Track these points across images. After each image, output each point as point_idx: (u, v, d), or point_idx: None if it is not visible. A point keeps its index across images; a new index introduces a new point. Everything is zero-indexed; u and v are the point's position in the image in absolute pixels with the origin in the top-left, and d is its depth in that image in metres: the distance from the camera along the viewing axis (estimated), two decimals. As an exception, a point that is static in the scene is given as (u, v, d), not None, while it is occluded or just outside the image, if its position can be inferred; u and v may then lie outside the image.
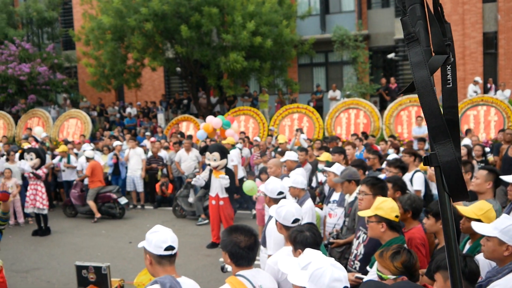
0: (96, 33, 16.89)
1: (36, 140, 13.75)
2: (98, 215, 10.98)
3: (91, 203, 10.99)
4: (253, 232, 3.15)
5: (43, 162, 10.31)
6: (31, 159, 10.04)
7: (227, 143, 11.83)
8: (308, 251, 2.49)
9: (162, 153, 12.83)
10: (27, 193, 10.07)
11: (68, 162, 11.93)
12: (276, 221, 3.85)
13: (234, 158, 10.81)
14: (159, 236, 2.90)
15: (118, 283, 6.81)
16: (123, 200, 11.25)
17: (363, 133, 12.46)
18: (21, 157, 10.22)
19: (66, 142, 13.40)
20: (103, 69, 17.49)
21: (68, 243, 9.38)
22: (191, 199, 10.99)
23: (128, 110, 19.94)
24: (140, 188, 12.10)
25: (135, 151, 12.00)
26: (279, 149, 11.03)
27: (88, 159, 11.36)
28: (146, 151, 12.72)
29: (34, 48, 20.19)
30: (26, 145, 11.97)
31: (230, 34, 14.87)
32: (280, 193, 4.77)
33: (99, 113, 20.53)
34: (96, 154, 12.22)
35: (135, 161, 11.96)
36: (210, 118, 13.71)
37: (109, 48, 16.73)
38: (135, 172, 11.98)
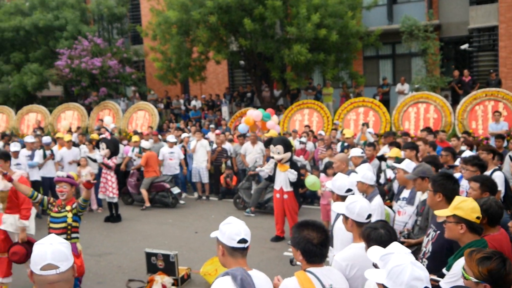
0: (162, 28, 17.31)
1: (109, 131, 14.33)
2: (147, 204, 11.48)
3: (144, 192, 11.50)
4: (324, 228, 3.09)
5: (114, 152, 10.69)
6: (103, 149, 10.47)
7: (270, 135, 11.90)
8: (391, 246, 2.41)
9: (226, 146, 12.98)
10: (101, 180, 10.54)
11: (140, 152, 12.34)
12: (347, 218, 3.74)
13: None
14: (233, 228, 2.90)
15: (185, 271, 7.00)
16: (175, 190, 11.70)
17: (427, 128, 11.65)
18: (97, 147, 10.69)
19: (136, 133, 13.87)
20: (169, 63, 17.92)
21: (137, 230, 9.71)
22: (253, 191, 11.08)
23: (193, 102, 20.32)
24: (206, 179, 12.30)
25: (201, 143, 12.22)
26: (346, 144, 10.85)
27: (144, 149, 11.74)
28: (210, 143, 12.89)
29: (105, 43, 21.04)
30: (95, 136, 12.46)
31: (294, 26, 14.73)
32: (349, 190, 4.64)
33: (165, 106, 21.08)
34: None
35: (201, 153, 12.17)
36: (250, 111, 13.82)
37: (175, 42, 17.10)
38: (201, 163, 12.19)
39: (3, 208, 6.40)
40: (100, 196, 10.77)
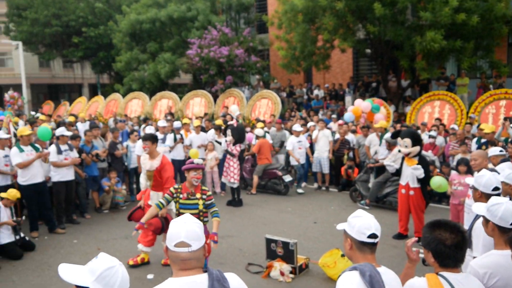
0: (288, 16, 17.30)
1: (235, 119, 14.73)
2: (254, 191, 11.81)
3: (255, 179, 11.78)
4: (460, 229, 2.72)
5: (239, 140, 10.90)
6: (229, 135, 10.73)
7: (380, 126, 11.70)
8: None
9: (349, 136, 12.60)
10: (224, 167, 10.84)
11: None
12: (487, 221, 3.30)
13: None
14: (363, 221, 2.70)
15: (303, 260, 6.90)
16: (287, 178, 11.72)
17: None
18: (224, 133, 10.99)
19: (258, 121, 14.07)
20: (294, 51, 17.91)
21: (258, 216, 9.83)
22: (370, 184, 10.66)
23: (316, 92, 20.15)
24: (326, 169, 12.07)
25: (324, 133, 11.99)
26: (483, 140, 9.92)
27: (257, 137, 11.78)
28: (333, 134, 12.62)
29: (232, 33, 21.66)
30: (219, 122, 12.83)
31: (428, 11, 13.73)
32: (496, 188, 4.13)
33: (288, 94, 21.17)
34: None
35: (323, 143, 11.96)
36: (359, 101, 13.61)
37: (300, 30, 17.02)
38: (322, 153, 11.99)
39: (150, 185, 6.94)
40: (223, 180, 11.09)
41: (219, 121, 13.10)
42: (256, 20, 24.54)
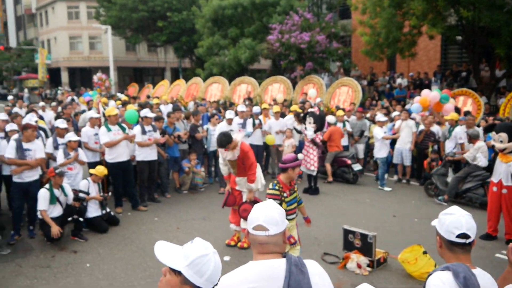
0: (373, 0, 16.70)
1: (317, 106, 14.53)
2: (330, 178, 11.64)
3: (328, 166, 11.63)
4: None
5: (320, 128, 10.70)
6: (310, 123, 10.55)
7: (450, 118, 11.19)
8: None
9: (435, 128, 11.98)
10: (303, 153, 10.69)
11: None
12: None
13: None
14: (453, 219, 2.49)
15: (382, 254, 6.67)
16: (357, 167, 11.54)
17: None
18: (303, 120, 10.85)
19: (338, 108, 13.78)
20: (378, 37, 17.29)
21: (334, 205, 9.66)
22: (449, 178, 10.12)
23: (399, 80, 19.40)
24: (408, 162, 11.56)
25: (407, 123, 11.47)
26: None
27: (329, 124, 11.59)
28: (417, 125, 12.05)
29: (314, 18, 21.32)
30: (295, 108, 12.66)
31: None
32: None
33: (369, 83, 20.57)
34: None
35: (405, 134, 11.45)
36: (426, 91, 12.87)
37: (386, 15, 16.37)
38: (404, 145, 11.49)
39: (234, 172, 7.06)
40: (301, 168, 10.95)
41: (295, 107, 12.95)
42: (339, 5, 23.98)
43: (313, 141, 10.50)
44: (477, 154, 9.19)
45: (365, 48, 18.27)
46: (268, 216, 2.27)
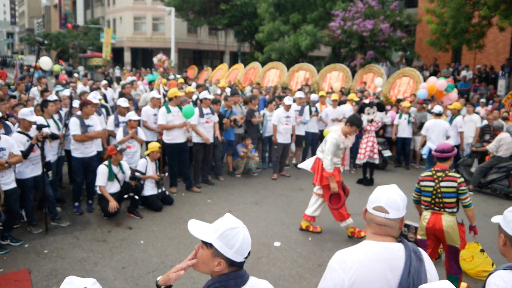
0: (443, -11, 16.03)
1: (376, 96, 14.24)
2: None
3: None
4: None
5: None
6: (373, 112, 10.31)
7: (453, 108, 11.15)
8: None
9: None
10: (361, 145, 10.48)
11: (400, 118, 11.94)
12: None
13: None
14: None
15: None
16: (387, 153, 11.46)
17: None
18: (361, 111, 10.62)
19: (399, 101, 13.42)
20: (444, 27, 16.63)
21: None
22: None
23: (464, 73, 18.61)
24: (468, 157, 11.15)
25: (471, 118, 11.01)
26: None
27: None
28: (481, 120, 11.54)
29: (379, 6, 20.70)
30: (352, 96, 12.42)
31: None
32: None
33: (431, 74, 19.83)
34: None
35: (469, 128, 11.00)
36: (433, 79, 13.21)
37: (455, 4, 15.71)
38: (467, 139, 11.07)
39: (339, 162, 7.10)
40: (358, 161, 10.72)
41: (352, 95, 12.72)
42: (406, -7, 23.22)
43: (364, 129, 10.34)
44: (499, 146, 9.65)
45: (430, 38, 17.59)
46: (390, 199, 2.32)
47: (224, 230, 1.97)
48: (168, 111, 8.79)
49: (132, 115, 8.27)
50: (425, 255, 2.34)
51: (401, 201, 2.33)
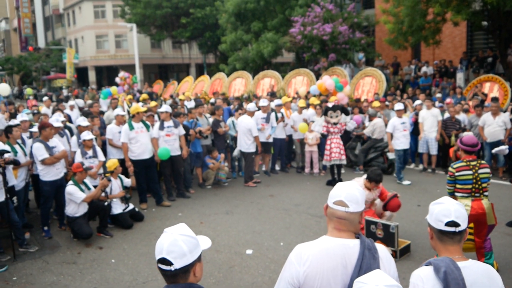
0: (396, -12, 16.45)
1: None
2: (360, 167, 11.89)
3: (361, 156, 11.88)
4: None
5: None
6: (337, 116, 10.43)
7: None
8: None
9: (461, 116, 11.79)
10: (326, 147, 10.61)
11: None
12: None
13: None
14: (442, 208, 2.48)
15: (405, 244, 6.63)
16: (391, 155, 11.42)
17: None
18: (325, 114, 10.75)
19: (357, 100, 13.68)
20: (401, 25, 17.05)
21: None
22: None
23: (424, 69, 19.07)
24: (434, 151, 11.40)
25: (432, 112, 11.30)
26: None
27: (371, 116, 11.90)
28: (442, 113, 11.86)
29: (337, 9, 21.07)
30: (314, 100, 12.63)
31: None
32: None
33: (394, 72, 20.28)
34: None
35: (430, 123, 11.28)
36: (326, 77, 14.99)
37: (409, 3, 16.12)
38: (429, 134, 11.33)
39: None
40: (324, 162, 10.89)
41: (313, 99, 12.90)
42: (363, -5, 23.73)
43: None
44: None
45: (389, 37, 18.01)
46: (349, 193, 2.38)
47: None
48: (131, 128, 8.76)
49: (85, 135, 8.16)
50: (383, 253, 2.40)
51: (360, 195, 2.40)
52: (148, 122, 9.22)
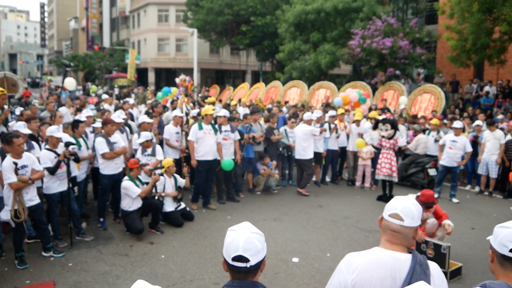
0: (462, 5, 16.06)
1: (389, 111, 14.25)
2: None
3: (400, 169, 11.75)
4: None
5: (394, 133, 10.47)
6: (386, 129, 10.32)
7: (434, 124, 11.81)
8: None
9: (522, 138, 11.35)
10: (378, 161, 10.48)
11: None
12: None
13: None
14: (508, 233, 2.32)
15: (456, 266, 6.45)
16: (432, 172, 11.43)
17: None
18: (375, 127, 10.64)
19: (414, 117, 13.44)
20: (465, 43, 16.61)
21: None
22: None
23: (487, 88, 18.45)
24: (494, 174, 10.98)
25: (494, 134, 10.90)
26: None
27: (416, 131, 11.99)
28: (506, 135, 11.42)
29: (398, 23, 20.80)
30: (373, 114, 12.47)
31: None
32: None
33: (453, 90, 19.73)
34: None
35: (492, 145, 10.88)
36: (350, 90, 15.52)
37: (474, 20, 15.70)
38: (490, 156, 10.93)
39: None
40: (378, 177, 10.67)
41: (373, 113, 12.76)
42: (426, 10, 23.23)
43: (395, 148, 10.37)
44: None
45: (451, 54, 17.58)
46: (406, 207, 2.39)
47: (227, 232, 2.16)
48: (200, 128, 8.98)
49: (146, 136, 8.47)
50: (435, 271, 2.37)
51: (416, 211, 2.40)
52: (216, 127, 9.38)
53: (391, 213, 2.41)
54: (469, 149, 10.48)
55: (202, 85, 35.52)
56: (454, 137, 10.45)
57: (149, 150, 8.51)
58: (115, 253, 6.80)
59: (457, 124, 10.51)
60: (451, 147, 10.41)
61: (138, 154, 8.47)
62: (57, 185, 6.90)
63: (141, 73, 48.64)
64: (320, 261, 6.70)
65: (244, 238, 2.11)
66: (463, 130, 12.09)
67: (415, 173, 11.68)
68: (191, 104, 13.96)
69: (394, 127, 10.37)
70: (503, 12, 14.47)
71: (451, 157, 10.44)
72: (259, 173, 10.69)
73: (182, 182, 8.62)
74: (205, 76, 48.84)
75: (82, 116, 8.58)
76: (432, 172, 11.48)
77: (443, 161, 10.54)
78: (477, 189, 11.58)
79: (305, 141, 10.52)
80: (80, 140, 7.96)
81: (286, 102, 19.47)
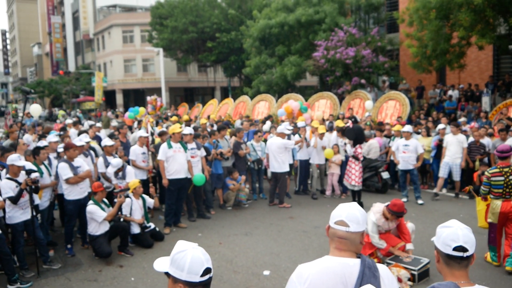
0: (420, 13, 16.51)
1: (356, 120, 14.42)
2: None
3: None
4: None
5: (358, 140, 10.57)
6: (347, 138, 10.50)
7: (396, 130, 11.91)
8: None
9: (485, 140, 11.61)
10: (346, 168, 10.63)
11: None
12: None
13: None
14: (450, 232, 2.40)
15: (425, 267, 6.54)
16: (386, 175, 11.92)
17: None
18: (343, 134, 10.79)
19: (380, 124, 13.67)
20: (425, 49, 17.05)
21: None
22: None
23: (450, 92, 18.92)
24: (457, 177, 11.18)
25: (457, 138, 11.09)
26: None
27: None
28: (467, 137, 11.68)
29: (360, 33, 21.25)
30: (338, 123, 12.65)
31: None
32: None
33: (419, 95, 20.17)
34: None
35: (455, 148, 11.07)
36: (291, 101, 16.85)
37: (433, 27, 16.16)
38: (454, 160, 11.10)
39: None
40: (344, 183, 10.90)
41: (338, 122, 12.93)
42: (386, 19, 23.80)
43: (354, 156, 10.43)
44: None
45: (413, 61, 18.01)
46: (350, 214, 2.42)
47: (173, 256, 2.11)
48: (169, 146, 8.91)
49: (107, 141, 8.80)
50: (384, 273, 2.41)
51: (361, 216, 2.42)
52: (185, 144, 9.28)
53: (336, 221, 2.44)
54: (421, 150, 10.97)
55: (171, 104, 35.37)
56: (405, 141, 10.90)
57: (120, 174, 8.46)
58: (84, 279, 6.64)
59: (406, 128, 11.02)
60: (405, 151, 10.87)
61: (113, 179, 8.56)
62: (20, 214, 6.72)
63: (109, 95, 48.16)
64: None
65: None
66: (427, 134, 12.40)
67: (369, 177, 12.02)
68: (155, 123, 13.89)
69: (355, 134, 10.47)
70: (459, 17, 14.92)
71: (406, 161, 10.87)
72: (228, 189, 10.65)
73: (150, 202, 8.52)
74: (174, 95, 48.68)
75: (43, 142, 8.42)
76: (385, 175, 11.86)
77: (400, 166, 11.05)
78: (444, 190, 11.79)
79: (279, 154, 10.54)
80: (42, 167, 7.80)
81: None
